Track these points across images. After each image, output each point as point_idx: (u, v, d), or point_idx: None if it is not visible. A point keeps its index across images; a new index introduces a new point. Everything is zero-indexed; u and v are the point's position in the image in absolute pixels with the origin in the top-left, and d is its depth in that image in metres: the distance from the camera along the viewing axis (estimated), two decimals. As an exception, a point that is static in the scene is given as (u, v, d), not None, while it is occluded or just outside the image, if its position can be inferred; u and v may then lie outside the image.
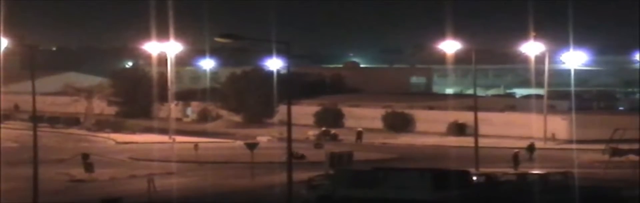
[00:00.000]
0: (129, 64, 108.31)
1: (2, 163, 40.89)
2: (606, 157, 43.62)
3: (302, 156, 44.16)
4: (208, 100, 74.25)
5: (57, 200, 33.39)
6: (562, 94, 69.73)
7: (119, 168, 42.70)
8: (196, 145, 49.23)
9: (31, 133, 32.92)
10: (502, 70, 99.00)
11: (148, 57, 72.65)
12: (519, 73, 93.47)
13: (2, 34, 63.57)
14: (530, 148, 46.77)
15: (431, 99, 71.72)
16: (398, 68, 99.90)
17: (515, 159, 42.28)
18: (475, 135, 44.04)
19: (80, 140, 61.04)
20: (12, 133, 61.58)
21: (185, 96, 75.68)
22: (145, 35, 70.84)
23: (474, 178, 31.88)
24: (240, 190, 35.39)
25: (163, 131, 60.92)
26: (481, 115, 46.58)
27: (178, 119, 70.41)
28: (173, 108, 66.32)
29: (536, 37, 60.14)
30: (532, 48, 60.27)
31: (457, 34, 66.41)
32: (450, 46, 61.95)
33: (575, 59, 65.89)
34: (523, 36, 62.61)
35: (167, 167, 42.59)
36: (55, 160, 44.53)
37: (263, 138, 57.40)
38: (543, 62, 59.52)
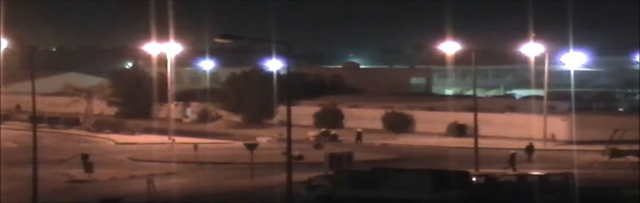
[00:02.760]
0: (129, 64, 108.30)
1: (2, 163, 40.85)
2: (606, 158, 43.59)
3: (300, 157, 44.16)
4: (208, 101, 74.25)
5: (56, 201, 33.36)
6: (562, 95, 69.73)
7: (118, 168, 42.71)
8: (196, 145, 49.21)
9: (31, 133, 32.90)
10: (502, 71, 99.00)
11: (148, 57, 72.66)
12: (519, 74, 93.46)
13: (2, 34, 63.53)
14: (529, 149, 46.72)
15: (431, 99, 71.74)
16: (398, 69, 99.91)
17: (512, 160, 42.21)
18: (475, 135, 44.03)
19: (80, 141, 61.04)
20: (12, 134, 61.57)
21: (185, 97, 75.69)
22: (145, 35, 70.93)
23: (474, 178, 31.87)
24: (240, 191, 35.39)
25: (163, 131, 60.93)
26: (481, 116, 46.58)
27: (178, 120, 70.44)
28: (173, 109, 66.36)
29: (536, 38, 60.16)
30: (531, 49, 60.26)
31: (457, 34, 66.44)
32: (450, 47, 61.96)
33: (575, 60, 65.87)
34: (523, 36, 62.63)
35: (166, 168, 42.61)
36: (54, 160, 44.53)
37: (263, 138, 57.35)
38: (543, 63, 59.51)
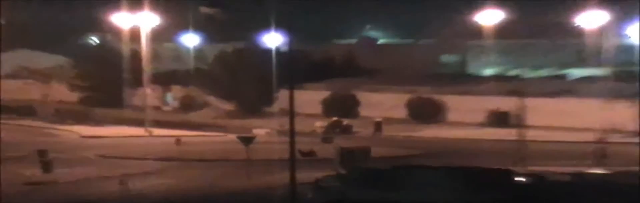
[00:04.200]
0: (95, 40, 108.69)
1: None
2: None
3: (311, 153, 44.64)
4: (192, 84, 74.70)
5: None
6: (629, 76, 69.85)
7: (84, 167, 43.18)
8: (178, 139, 49.90)
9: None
10: (555, 46, 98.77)
11: (118, 31, 73.10)
12: (576, 50, 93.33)
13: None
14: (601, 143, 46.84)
15: (466, 82, 72.21)
16: (425, 44, 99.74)
17: (598, 154, 42.26)
18: (521, 125, 44.42)
19: (36, 134, 61.62)
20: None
21: (164, 80, 76.24)
22: (114, 4, 71.23)
23: (518, 178, 32.10)
24: (233, 193, 35.86)
25: (138, 122, 61.53)
26: (528, 102, 46.95)
27: (156, 108, 71.03)
28: (149, 94, 66.87)
29: (597, 5, 60.25)
30: (591, 18, 60.42)
31: (498, 1, 66.53)
32: (489, 17, 62.20)
33: (644, 32, 65.94)
34: (581, 3, 62.66)
35: (143, 166, 43.13)
36: (11, 157, 44.99)
37: (260, 130, 58.07)
38: (604, 36, 59.65)
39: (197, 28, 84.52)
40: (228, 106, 73.40)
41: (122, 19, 68.98)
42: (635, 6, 63.56)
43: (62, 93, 77.25)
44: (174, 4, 79.89)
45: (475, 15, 63.52)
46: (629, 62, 74.05)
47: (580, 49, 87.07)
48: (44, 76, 73.55)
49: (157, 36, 72.57)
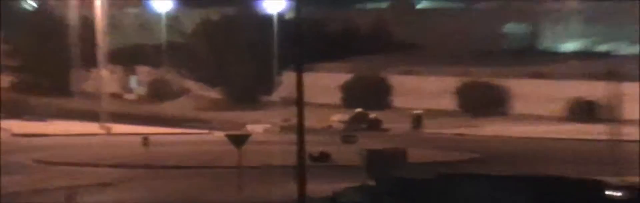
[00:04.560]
0: (32, 4, 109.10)
1: None
2: None
3: (323, 156, 44.98)
4: (165, 64, 74.90)
5: None
6: None
7: (18, 176, 43.38)
8: (146, 138, 50.06)
9: None
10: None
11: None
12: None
13: None
14: None
15: (538, 61, 72.24)
16: (482, 10, 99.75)
17: None
18: (614, 120, 44.46)
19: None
20: None
21: (127, 58, 76.48)
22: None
23: (611, 192, 32.24)
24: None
25: (91, 115, 61.71)
26: (624, 87, 46.91)
27: (116, 96, 71.27)
28: (107, 78, 67.09)
29: None
30: None
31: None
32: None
33: None
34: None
35: (98, 175, 43.33)
36: None
37: (257, 126, 58.39)
38: None
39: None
40: (213, 93, 73.62)
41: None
42: None
43: (-12, 76, 77.60)
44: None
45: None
46: None
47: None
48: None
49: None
